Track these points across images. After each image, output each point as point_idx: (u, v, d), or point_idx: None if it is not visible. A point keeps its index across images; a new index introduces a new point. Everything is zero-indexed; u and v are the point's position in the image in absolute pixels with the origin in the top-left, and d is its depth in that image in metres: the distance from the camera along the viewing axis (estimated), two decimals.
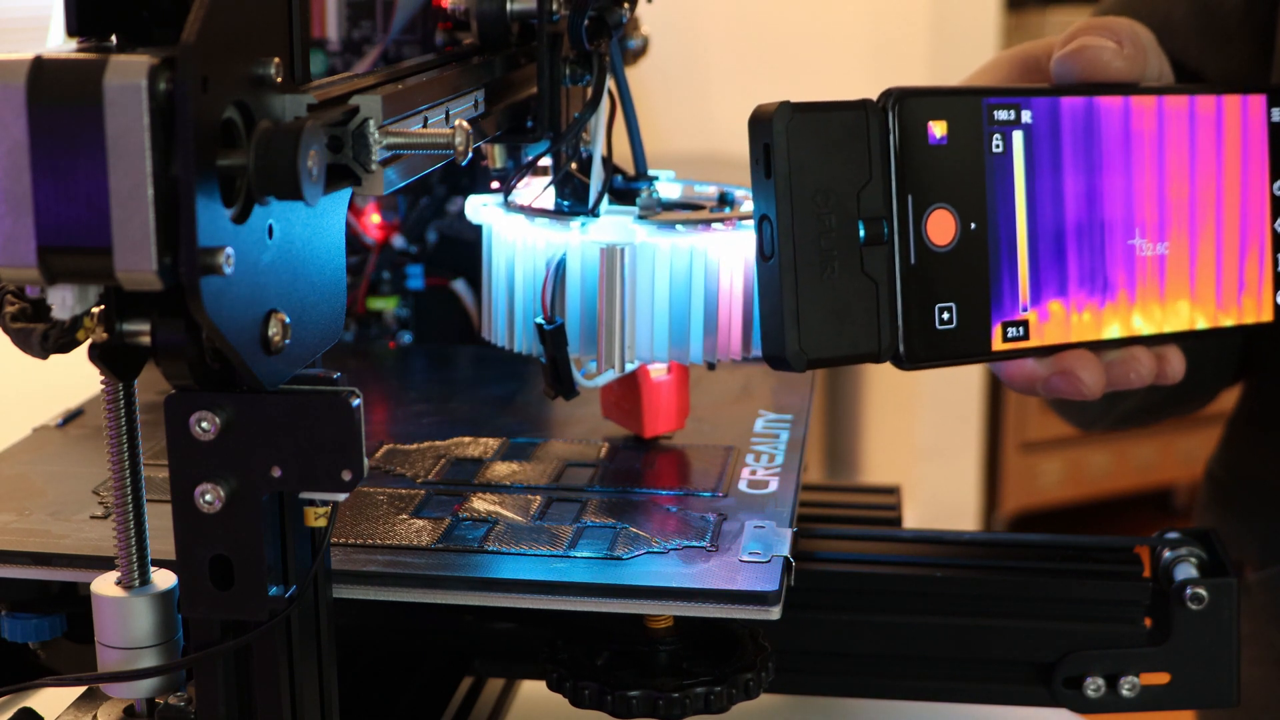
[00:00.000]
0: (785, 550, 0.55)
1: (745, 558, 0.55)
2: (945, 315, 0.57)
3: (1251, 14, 0.79)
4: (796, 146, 0.55)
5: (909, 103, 0.56)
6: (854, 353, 0.56)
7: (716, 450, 0.66)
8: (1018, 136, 0.58)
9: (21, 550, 0.55)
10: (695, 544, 0.56)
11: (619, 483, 0.63)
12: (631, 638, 0.57)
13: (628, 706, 0.55)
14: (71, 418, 0.70)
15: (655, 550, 0.55)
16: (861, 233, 0.56)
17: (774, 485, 0.62)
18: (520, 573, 0.54)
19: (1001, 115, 0.58)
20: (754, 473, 0.64)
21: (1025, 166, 0.59)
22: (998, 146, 0.58)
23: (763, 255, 0.55)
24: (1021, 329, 0.59)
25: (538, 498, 0.61)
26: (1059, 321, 0.60)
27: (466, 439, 0.67)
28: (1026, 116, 0.59)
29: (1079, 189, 0.60)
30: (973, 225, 0.58)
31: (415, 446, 0.66)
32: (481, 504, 0.60)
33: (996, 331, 0.58)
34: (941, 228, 0.57)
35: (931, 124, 0.57)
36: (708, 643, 0.58)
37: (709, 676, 0.55)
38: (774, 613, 0.52)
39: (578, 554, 0.55)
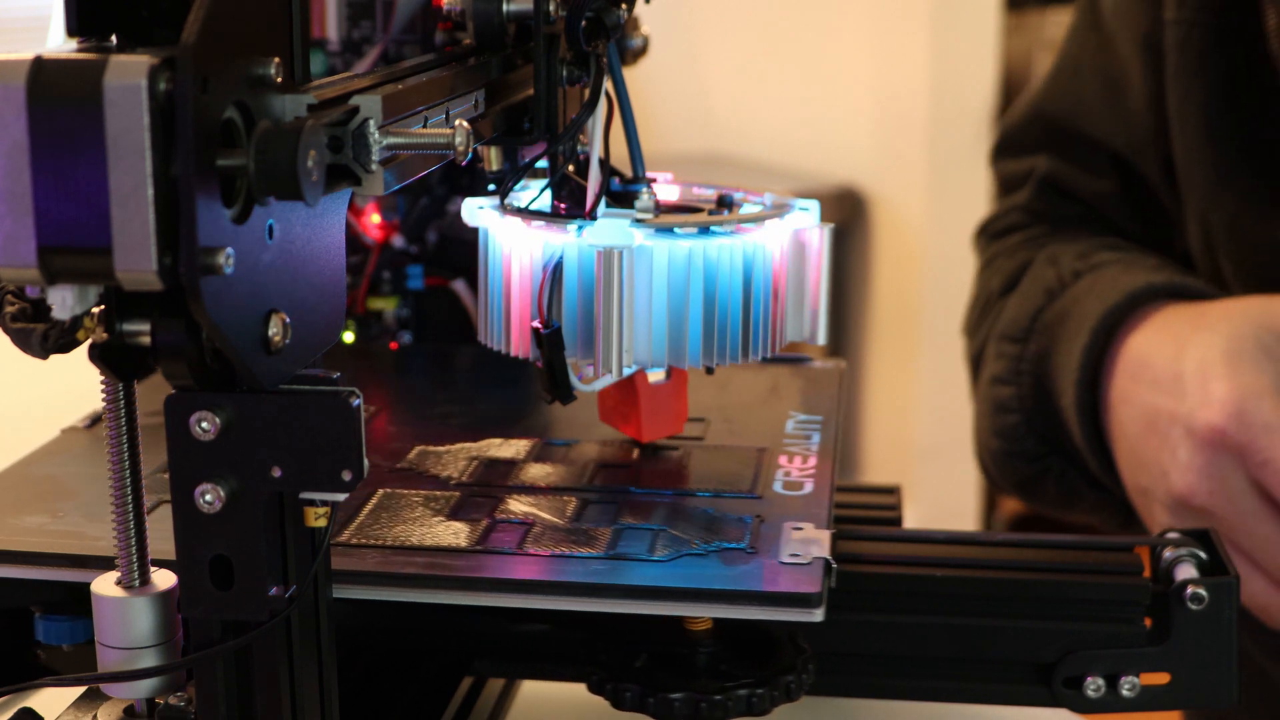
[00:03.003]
0: (825, 552, 0.55)
1: (786, 560, 0.54)
2: None
3: (1147, 88, 0.87)
4: None
5: None
6: None
7: (749, 451, 0.66)
8: None
9: (58, 553, 0.55)
10: (735, 546, 0.56)
11: (653, 484, 0.62)
12: (669, 640, 0.57)
13: (670, 709, 0.54)
14: (99, 419, 0.69)
15: (695, 552, 0.55)
16: None
17: (809, 487, 0.62)
18: (561, 575, 0.54)
19: None
20: (788, 474, 0.63)
21: None
22: None
23: None
24: None
25: (573, 499, 0.61)
26: None
27: (498, 440, 0.67)
28: None
29: None
30: None
31: (447, 448, 0.66)
32: (517, 505, 0.60)
33: None
34: None
35: None
36: (745, 645, 0.57)
37: (750, 679, 0.55)
38: (817, 615, 0.52)
39: (618, 556, 0.55)
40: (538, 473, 0.64)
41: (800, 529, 0.57)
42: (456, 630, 0.63)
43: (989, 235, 1.01)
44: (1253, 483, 0.70)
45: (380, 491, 0.61)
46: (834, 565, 0.55)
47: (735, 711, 0.54)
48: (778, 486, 0.62)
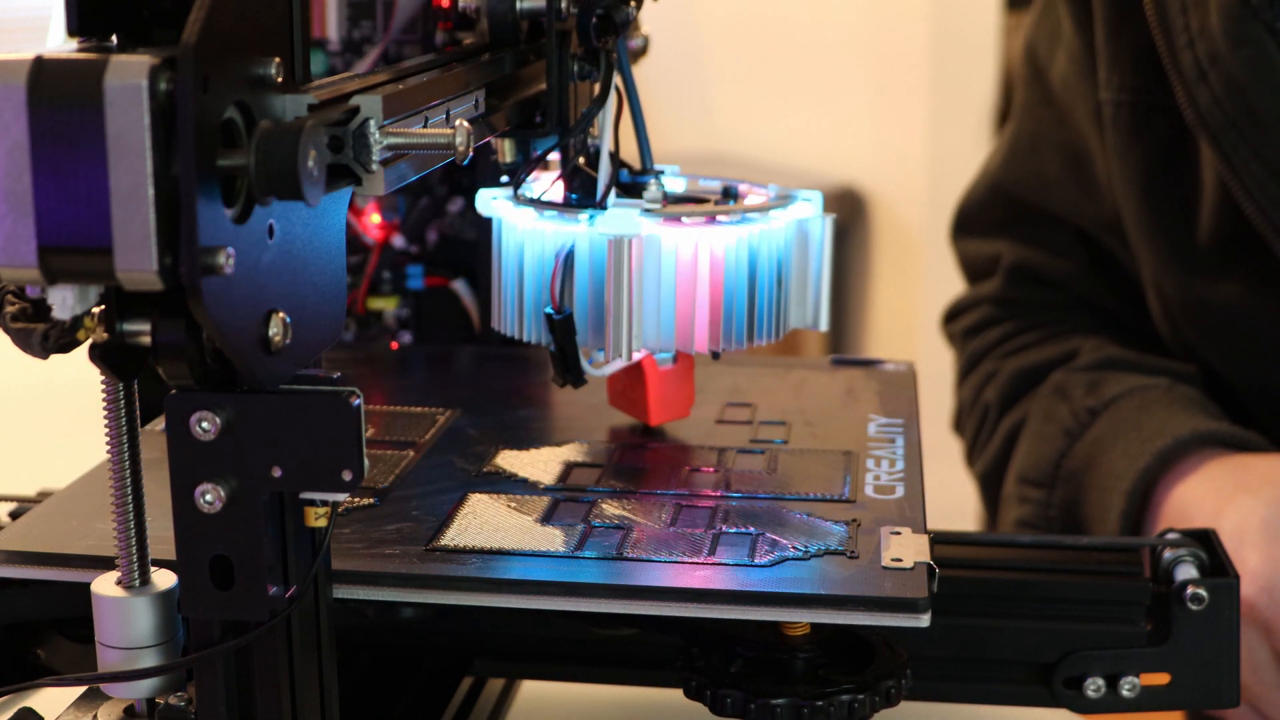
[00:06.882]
0: (926, 557, 0.54)
1: (888, 564, 0.54)
2: None
3: (1108, 160, 0.87)
4: None
5: None
6: None
7: (835, 455, 0.66)
8: None
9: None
10: (836, 550, 0.55)
11: (744, 488, 0.62)
12: (765, 645, 0.56)
13: (771, 714, 0.54)
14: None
15: (796, 557, 0.55)
16: None
17: (900, 491, 0.62)
18: (665, 579, 0.53)
19: None
20: (878, 478, 0.63)
21: None
22: None
23: None
24: None
25: (666, 503, 0.60)
26: None
27: (579, 443, 0.67)
28: None
29: None
30: None
31: (529, 451, 0.66)
32: (612, 509, 0.59)
33: None
34: None
35: None
36: (842, 650, 0.57)
37: (850, 684, 0.54)
38: (924, 620, 0.51)
39: (720, 561, 0.55)
40: (626, 476, 0.63)
41: (899, 533, 0.57)
42: (552, 635, 0.63)
43: (963, 331, 1.00)
44: (1278, 657, 0.70)
45: (471, 496, 0.61)
46: (937, 570, 0.54)
47: (837, 717, 0.54)
48: (869, 490, 0.62)
